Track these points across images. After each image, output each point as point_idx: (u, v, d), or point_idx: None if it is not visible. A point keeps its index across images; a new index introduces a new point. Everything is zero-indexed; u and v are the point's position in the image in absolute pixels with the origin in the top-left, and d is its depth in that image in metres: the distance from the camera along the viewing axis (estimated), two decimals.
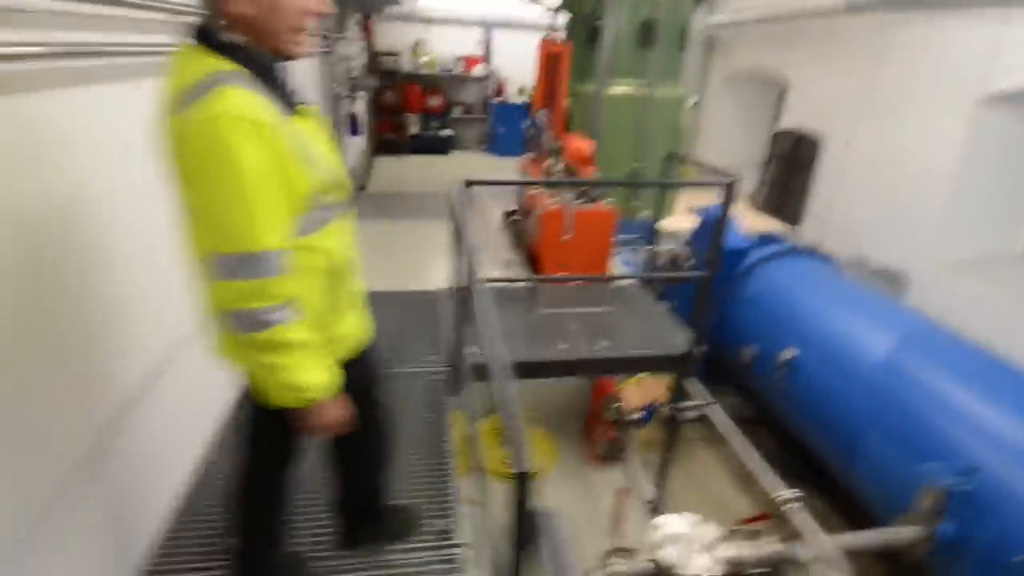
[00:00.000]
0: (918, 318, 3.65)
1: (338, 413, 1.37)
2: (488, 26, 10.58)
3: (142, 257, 1.85)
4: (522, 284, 3.32)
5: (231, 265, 1.11)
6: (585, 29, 5.36)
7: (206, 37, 1.19)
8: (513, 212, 4.44)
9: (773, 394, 4.00)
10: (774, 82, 7.69)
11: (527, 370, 2.92)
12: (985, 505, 2.46)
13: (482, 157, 10.94)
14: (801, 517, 2.55)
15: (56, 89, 1.42)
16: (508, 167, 9.74)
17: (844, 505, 3.95)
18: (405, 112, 10.48)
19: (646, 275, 3.20)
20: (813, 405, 3.62)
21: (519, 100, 10.94)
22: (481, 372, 2.72)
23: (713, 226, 4.62)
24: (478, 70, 10.66)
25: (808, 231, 6.09)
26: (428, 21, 10.56)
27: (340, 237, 1.38)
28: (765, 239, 5.07)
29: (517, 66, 11.00)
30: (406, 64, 10.42)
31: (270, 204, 1.13)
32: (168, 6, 1.86)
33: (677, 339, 3.23)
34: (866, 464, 3.21)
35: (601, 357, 2.97)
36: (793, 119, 6.42)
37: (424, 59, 10.52)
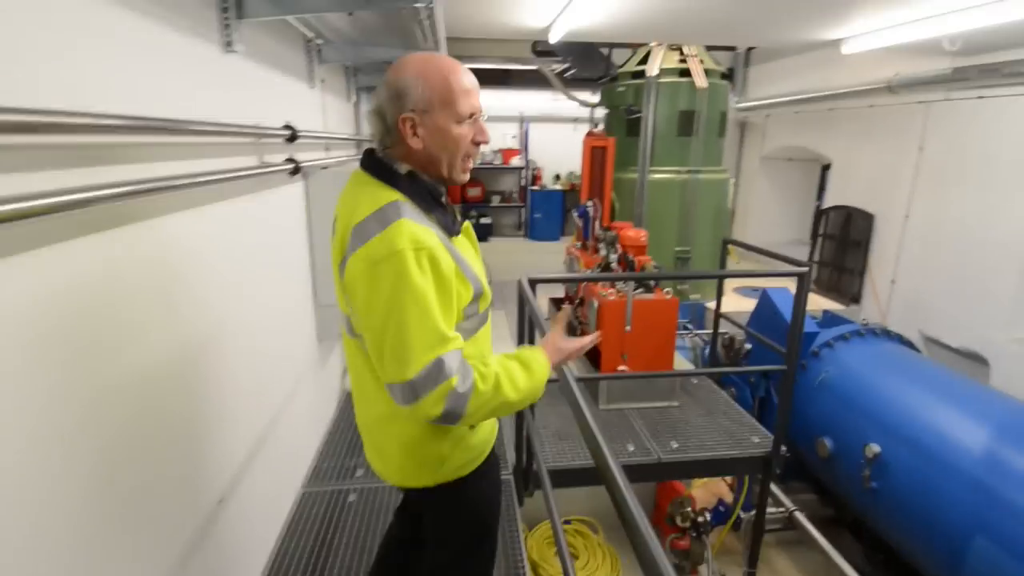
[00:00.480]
0: (1012, 404, 3.34)
1: (572, 347, 1.42)
2: (525, 120, 11.14)
3: (240, 365, 1.87)
4: (582, 378, 3.20)
5: (419, 385, 1.15)
6: (625, 120, 5.55)
7: (377, 166, 1.28)
8: (563, 300, 4.40)
9: (858, 493, 3.64)
10: (812, 161, 7.74)
11: (584, 477, 2.75)
12: None
13: (520, 242, 11.15)
14: None
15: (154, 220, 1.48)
16: (547, 251, 9.90)
17: None
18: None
19: (722, 371, 3.04)
20: (907, 506, 3.27)
21: (555, 187, 11.28)
22: (560, 477, 2.60)
23: (773, 308, 4.51)
24: (515, 161, 11.12)
25: (868, 309, 5.85)
26: None
27: (486, 342, 1.43)
28: (828, 319, 4.84)
29: (552, 155, 11.46)
30: None
31: (445, 323, 1.18)
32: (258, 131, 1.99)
33: (754, 437, 3.01)
34: (976, 573, 2.83)
35: (675, 461, 2.77)
36: (839, 196, 6.37)
37: None
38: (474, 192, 11.30)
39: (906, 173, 5.28)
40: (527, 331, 2.40)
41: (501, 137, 11.35)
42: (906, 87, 4.86)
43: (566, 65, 6.01)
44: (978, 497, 2.86)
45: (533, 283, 2.39)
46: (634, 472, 2.73)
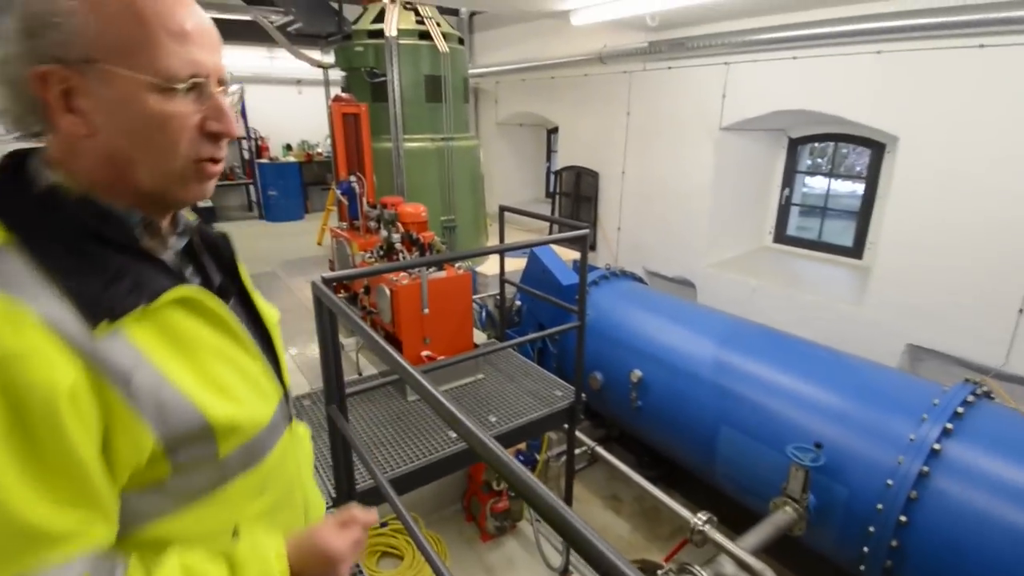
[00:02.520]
0: (723, 318, 4.23)
1: (340, 548, 0.83)
2: (236, 82, 9.57)
3: None
4: (386, 379, 2.91)
5: None
6: (369, 84, 5.15)
7: (9, 177, 0.71)
8: (341, 289, 3.95)
9: (627, 412, 4.23)
10: (540, 125, 8.48)
11: (422, 476, 2.55)
12: (835, 473, 2.89)
13: (256, 225, 9.70)
14: (717, 536, 2.68)
15: None
16: (291, 233, 8.85)
17: (702, 499, 4.36)
18: None
19: (528, 339, 3.08)
20: (667, 414, 3.92)
21: (288, 159, 10.10)
22: (396, 486, 2.30)
23: (542, 266, 4.82)
24: None
25: (603, 255, 6.78)
26: None
27: (264, 495, 0.83)
28: (578, 268, 5.44)
29: (277, 122, 10.18)
30: None
31: (44, 503, 0.60)
32: None
33: (556, 391, 3.18)
34: (724, 457, 3.56)
35: (499, 435, 2.74)
36: (568, 158, 7.13)
37: None
38: None
39: (619, 135, 6.14)
40: (330, 343, 2.02)
41: None
42: (613, 58, 5.57)
43: (289, 18, 5.24)
44: (717, 396, 3.56)
45: (329, 283, 2.00)
46: (465, 457, 2.62)
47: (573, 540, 0.84)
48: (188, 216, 0.90)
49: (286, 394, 0.92)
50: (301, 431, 1.00)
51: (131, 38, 0.67)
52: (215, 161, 0.79)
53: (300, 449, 0.98)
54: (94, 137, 0.69)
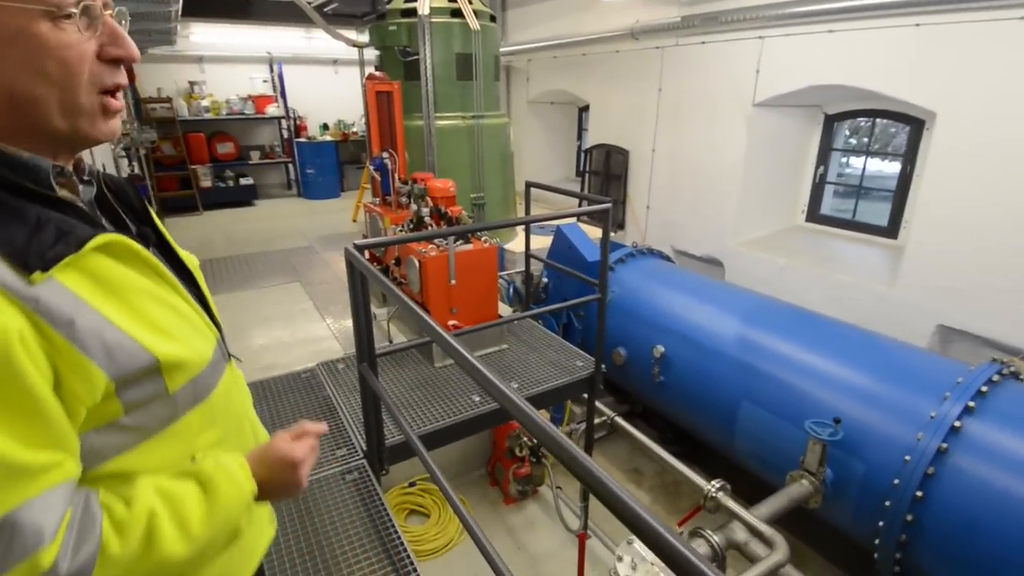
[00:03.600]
0: (748, 296, 4.23)
1: (296, 456, 0.90)
2: (275, 62, 9.83)
3: None
4: (414, 341, 3.07)
5: None
6: (402, 63, 5.25)
7: None
8: (374, 261, 4.12)
9: (649, 387, 4.31)
10: (571, 103, 8.44)
11: (448, 434, 2.71)
12: (853, 448, 2.92)
13: (294, 203, 10.04)
14: (730, 503, 2.76)
15: None
16: (328, 210, 9.13)
17: (723, 475, 4.42)
18: (189, 164, 9.18)
19: (550, 309, 3.18)
20: (689, 390, 3.98)
21: (324, 138, 10.34)
22: (426, 442, 2.46)
23: (568, 243, 4.90)
24: (272, 109, 9.82)
25: (631, 233, 6.78)
26: (202, 60, 9.44)
27: (215, 426, 0.89)
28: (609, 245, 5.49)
29: (314, 101, 10.43)
30: (182, 110, 9.17)
31: (10, 443, 0.62)
32: None
33: (577, 362, 3.28)
34: (744, 432, 3.62)
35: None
36: (598, 136, 7.11)
37: (204, 102, 9.35)
38: (225, 149, 9.74)
39: (650, 112, 6.10)
40: (361, 304, 2.16)
41: (249, 82, 9.89)
42: (645, 33, 5.52)
43: None
44: (740, 372, 3.60)
45: (361, 249, 2.14)
46: (487, 419, 2.77)
47: (593, 487, 0.90)
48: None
49: (221, 333, 0.95)
50: (239, 373, 1.03)
51: None
52: (118, 88, 0.76)
53: (242, 389, 1.03)
54: None
